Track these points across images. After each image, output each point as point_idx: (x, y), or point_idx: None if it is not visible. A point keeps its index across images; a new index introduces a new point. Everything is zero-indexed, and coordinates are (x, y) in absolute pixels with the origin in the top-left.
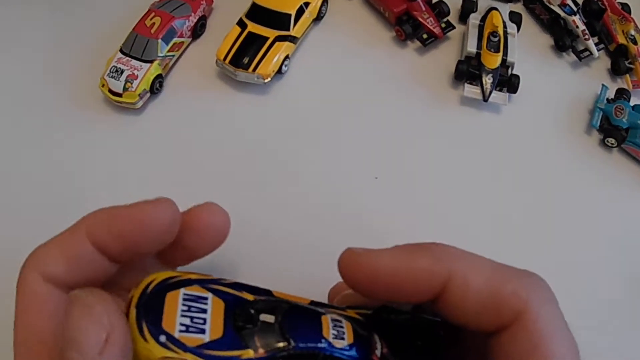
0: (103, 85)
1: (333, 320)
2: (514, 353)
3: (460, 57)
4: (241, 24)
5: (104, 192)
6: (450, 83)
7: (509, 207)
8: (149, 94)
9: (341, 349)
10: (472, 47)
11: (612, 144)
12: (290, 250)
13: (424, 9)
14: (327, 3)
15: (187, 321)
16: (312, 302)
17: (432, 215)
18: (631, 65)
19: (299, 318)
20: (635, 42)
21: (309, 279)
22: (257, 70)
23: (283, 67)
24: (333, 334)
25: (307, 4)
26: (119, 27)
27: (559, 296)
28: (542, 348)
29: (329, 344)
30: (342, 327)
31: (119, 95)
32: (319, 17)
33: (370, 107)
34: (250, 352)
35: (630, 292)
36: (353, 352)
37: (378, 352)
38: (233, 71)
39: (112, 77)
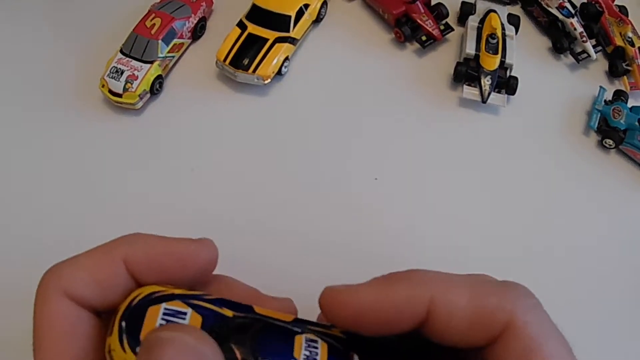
0: (103, 86)
1: (307, 340)
2: (510, 358)
3: (459, 59)
4: (241, 25)
5: (104, 192)
6: (449, 85)
7: (507, 207)
8: (148, 95)
9: None
10: (470, 49)
11: (610, 145)
12: (289, 251)
13: (423, 11)
14: (326, 5)
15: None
16: (296, 319)
17: (432, 215)
18: (629, 67)
19: (271, 337)
20: (632, 44)
21: (309, 279)
22: (256, 72)
23: (283, 68)
24: (304, 355)
25: (306, 6)
26: (119, 28)
27: (556, 297)
28: (537, 351)
29: None
30: (316, 347)
31: (119, 95)
32: (318, 19)
33: (369, 109)
34: None
35: (629, 292)
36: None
37: None
38: (233, 72)
39: (112, 77)
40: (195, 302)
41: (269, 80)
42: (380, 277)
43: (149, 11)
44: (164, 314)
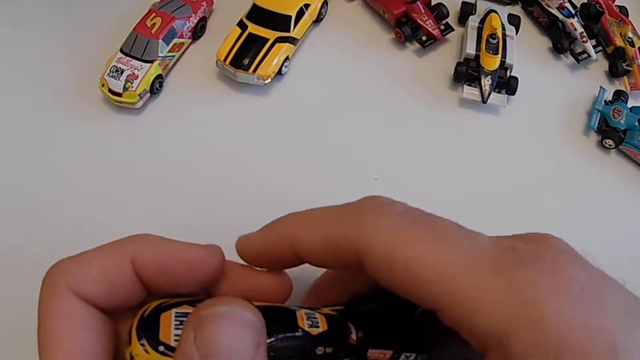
0: (103, 85)
1: (307, 313)
2: (379, 277)
3: (459, 59)
4: (241, 25)
5: (104, 191)
6: (449, 85)
7: (507, 208)
8: (148, 94)
9: (317, 335)
10: (471, 49)
11: (610, 145)
12: None
13: (423, 11)
14: (327, 5)
15: (179, 332)
16: (290, 306)
17: None
18: (629, 68)
19: (275, 316)
20: (632, 45)
21: (309, 277)
22: (257, 72)
23: (283, 68)
24: (308, 324)
25: (307, 6)
26: (119, 27)
27: None
28: (396, 260)
29: (305, 332)
30: (315, 318)
31: (119, 95)
32: (319, 19)
33: (369, 109)
34: None
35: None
36: (329, 338)
37: (354, 336)
38: (233, 72)
39: (112, 76)
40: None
41: (269, 80)
42: (264, 226)
43: (150, 10)
44: (176, 317)
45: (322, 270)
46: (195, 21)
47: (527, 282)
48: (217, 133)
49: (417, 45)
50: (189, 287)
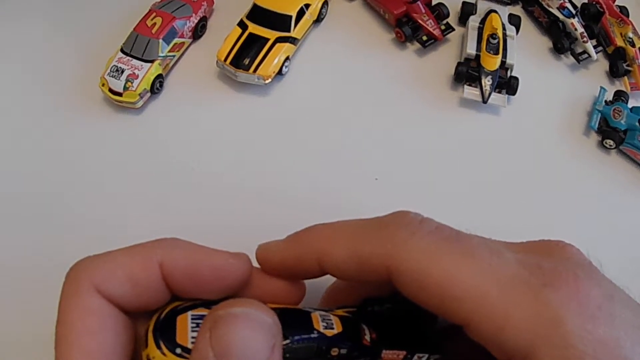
0: (103, 85)
1: (321, 315)
2: (409, 294)
3: (460, 59)
4: (242, 25)
5: (104, 191)
6: (450, 85)
7: (507, 208)
8: (149, 94)
9: (332, 337)
10: (471, 49)
11: (610, 145)
12: None
13: (423, 11)
14: (327, 5)
15: (196, 334)
16: (304, 308)
17: (433, 215)
18: (629, 68)
19: (291, 318)
20: (633, 45)
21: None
22: (257, 72)
23: (283, 68)
24: (323, 325)
25: (307, 6)
26: (120, 27)
27: None
28: (426, 279)
29: (321, 334)
30: (330, 319)
31: (120, 94)
32: (319, 19)
33: (370, 109)
34: None
35: (630, 293)
36: (344, 339)
37: (367, 337)
38: (233, 72)
39: (112, 76)
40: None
41: (270, 80)
42: (288, 236)
43: (150, 10)
44: (192, 319)
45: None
46: (196, 21)
47: (553, 302)
48: (218, 133)
49: (417, 45)
50: (216, 294)
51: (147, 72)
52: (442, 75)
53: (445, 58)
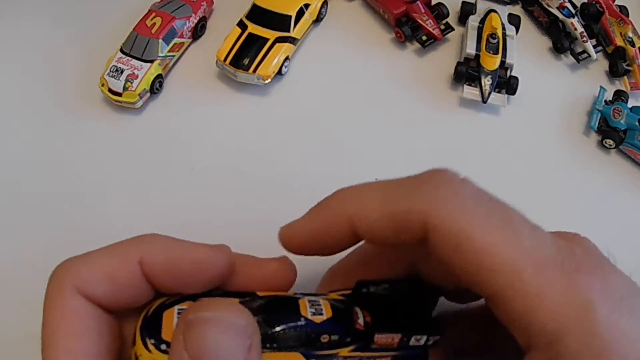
0: (103, 85)
1: (310, 301)
2: (442, 257)
3: (459, 59)
4: (241, 25)
5: (104, 191)
6: (449, 84)
7: None
8: (148, 94)
9: (321, 323)
10: (471, 49)
11: (610, 145)
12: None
13: (423, 11)
14: (327, 4)
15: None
16: (295, 294)
17: None
18: (629, 67)
19: (279, 307)
20: (633, 44)
21: (308, 276)
22: (257, 71)
23: (283, 68)
24: (311, 312)
25: (307, 6)
26: (119, 27)
27: None
28: (466, 244)
29: (309, 321)
30: (319, 305)
31: (119, 94)
32: (319, 19)
33: (369, 109)
34: None
35: None
36: (334, 325)
37: (361, 321)
38: (233, 72)
39: (112, 76)
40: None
41: (269, 80)
42: (312, 207)
43: (150, 10)
44: (178, 313)
45: (332, 260)
46: (195, 21)
47: (584, 288)
48: (217, 133)
49: (417, 45)
50: (198, 287)
51: (146, 72)
52: (441, 75)
53: (444, 58)
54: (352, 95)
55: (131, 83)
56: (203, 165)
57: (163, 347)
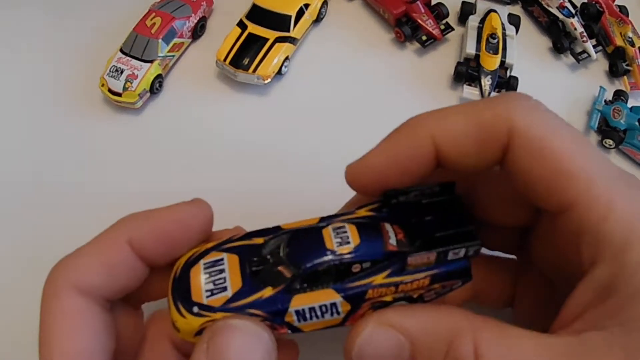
0: (103, 85)
1: (335, 229)
2: (522, 165)
3: (459, 59)
4: (241, 25)
5: (104, 191)
6: (449, 84)
7: None
8: (148, 94)
9: (349, 253)
10: (471, 49)
11: (610, 145)
12: None
13: (423, 10)
14: (326, 4)
15: (211, 286)
16: (321, 219)
17: None
18: (629, 67)
19: (301, 242)
20: (632, 44)
21: None
22: (257, 71)
23: (283, 68)
24: (337, 242)
25: (307, 6)
26: (119, 27)
27: None
28: (548, 149)
29: (334, 253)
30: (345, 232)
31: (119, 94)
32: (318, 19)
33: (369, 108)
34: (269, 290)
35: None
36: (364, 252)
37: (393, 241)
38: (233, 72)
39: (112, 76)
40: (227, 245)
41: (269, 80)
42: (384, 138)
43: (149, 10)
44: (204, 268)
45: None
46: (195, 21)
47: None
48: (217, 133)
49: (417, 45)
50: (187, 246)
51: (146, 72)
52: (441, 75)
53: (444, 58)
54: (352, 95)
55: (131, 83)
56: (203, 165)
57: (195, 309)
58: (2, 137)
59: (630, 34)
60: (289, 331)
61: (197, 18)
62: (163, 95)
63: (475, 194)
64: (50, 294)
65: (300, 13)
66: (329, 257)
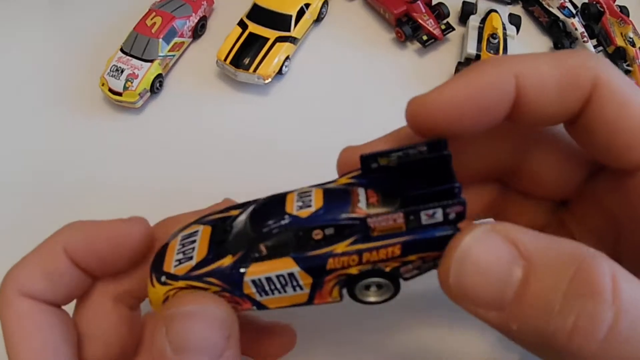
0: (103, 85)
1: (300, 194)
2: (605, 117)
3: (460, 59)
4: (242, 24)
5: (104, 191)
6: None
7: None
8: (149, 94)
9: (308, 217)
10: (471, 49)
11: None
12: None
13: (424, 10)
14: (327, 4)
15: (180, 256)
16: (296, 190)
17: None
18: (629, 68)
19: (264, 209)
20: (633, 45)
21: None
22: (257, 71)
23: (283, 67)
24: (298, 206)
25: (307, 5)
26: (120, 27)
27: None
28: (629, 104)
29: (293, 217)
30: (309, 196)
31: (119, 94)
32: (319, 18)
33: (370, 108)
34: (228, 258)
35: None
36: (324, 216)
37: (362, 205)
38: (233, 72)
39: (112, 76)
40: (206, 219)
41: (270, 79)
42: (460, 72)
43: (150, 10)
44: (181, 240)
45: None
46: (196, 20)
47: None
48: (217, 132)
49: (417, 45)
50: (120, 264)
51: (146, 72)
52: (442, 75)
53: (445, 58)
54: (352, 95)
55: (131, 83)
56: (203, 164)
57: (162, 279)
58: (2, 137)
59: (631, 34)
60: (254, 307)
61: (198, 17)
62: (163, 94)
63: (524, 161)
64: (4, 303)
65: (300, 13)
66: (287, 220)
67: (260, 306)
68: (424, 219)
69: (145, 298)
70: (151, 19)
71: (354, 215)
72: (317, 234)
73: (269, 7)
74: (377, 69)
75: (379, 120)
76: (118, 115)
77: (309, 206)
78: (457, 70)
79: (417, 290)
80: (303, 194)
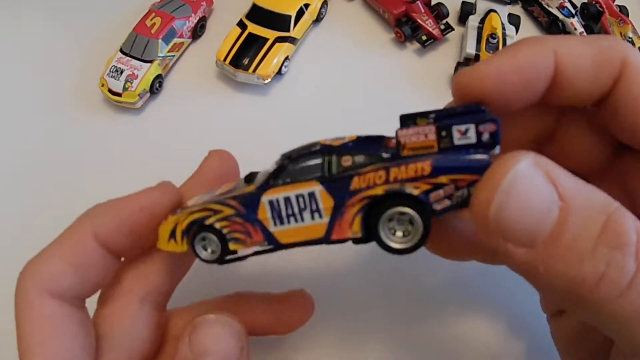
0: (103, 85)
1: (335, 137)
2: (633, 95)
3: (459, 59)
4: (241, 24)
5: (104, 190)
6: (449, 84)
7: None
8: (148, 94)
9: (340, 145)
10: (471, 49)
11: None
12: (288, 253)
13: (423, 10)
14: (326, 4)
15: (206, 197)
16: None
17: None
18: None
19: (295, 149)
20: (633, 44)
21: (309, 275)
22: (257, 71)
23: (283, 68)
24: (330, 139)
25: (307, 6)
26: (119, 27)
27: None
28: None
29: (324, 145)
30: (344, 137)
31: (119, 95)
32: (318, 19)
33: (369, 108)
34: (252, 187)
35: None
36: (355, 145)
37: (394, 140)
38: (233, 72)
39: (112, 76)
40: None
41: (269, 79)
42: (504, 48)
43: (149, 10)
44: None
45: None
46: (195, 21)
47: None
48: (217, 133)
49: (417, 45)
50: (154, 235)
51: (146, 73)
52: (441, 75)
53: (444, 58)
54: (351, 95)
55: (131, 83)
56: None
57: (177, 211)
58: (2, 137)
59: (630, 34)
60: (265, 241)
61: (197, 18)
62: (163, 95)
63: (560, 128)
64: (22, 302)
65: (300, 13)
66: (317, 147)
67: (272, 239)
68: (457, 136)
69: (172, 292)
70: (151, 20)
71: (389, 145)
72: (347, 160)
73: (268, 7)
74: (377, 69)
75: (379, 120)
76: (118, 115)
77: (343, 139)
78: (456, 70)
79: (425, 284)
80: (338, 137)
